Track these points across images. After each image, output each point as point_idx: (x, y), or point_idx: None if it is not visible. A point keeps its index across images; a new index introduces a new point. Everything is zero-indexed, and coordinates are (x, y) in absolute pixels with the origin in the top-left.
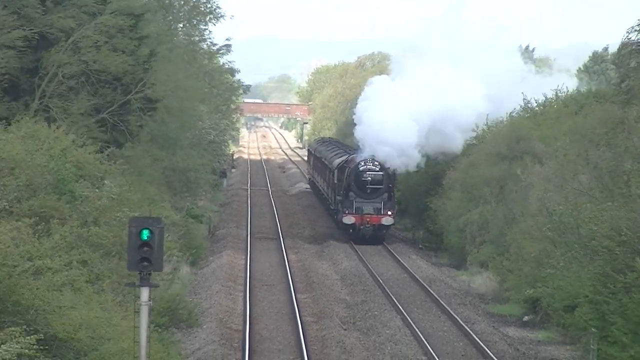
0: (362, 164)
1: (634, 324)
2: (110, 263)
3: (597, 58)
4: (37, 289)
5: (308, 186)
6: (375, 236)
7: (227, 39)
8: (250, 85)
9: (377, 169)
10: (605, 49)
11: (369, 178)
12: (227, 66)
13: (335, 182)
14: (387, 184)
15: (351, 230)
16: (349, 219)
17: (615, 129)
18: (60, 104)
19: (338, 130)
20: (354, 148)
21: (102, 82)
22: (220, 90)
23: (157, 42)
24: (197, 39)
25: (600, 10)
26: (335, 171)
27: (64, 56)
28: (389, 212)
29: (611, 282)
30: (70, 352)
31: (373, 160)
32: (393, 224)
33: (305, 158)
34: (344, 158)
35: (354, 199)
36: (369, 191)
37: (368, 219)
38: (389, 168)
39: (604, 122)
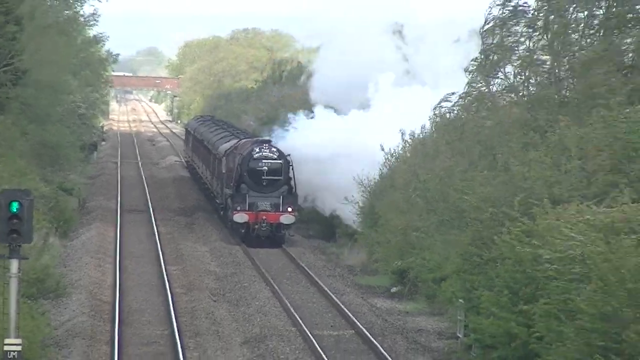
0: (257, 150)
1: (500, 295)
2: None
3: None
4: None
5: (178, 159)
6: (273, 237)
7: (94, 9)
8: (118, 54)
9: (275, 157)
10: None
11: (265, 168)
12: (97, 37)
13: (223, 171)
14: (287, 174)
15: (243, 231)
16: (240, 217)
17: (479, 101)
18: None
19: (207, 103)
20: (245, 131)
21: None
22: (90, 61)
23: (29, 17)
24: (69, 13)
25: None
26: (223, 159)
27: None
28: (290, 209)
29: (477, 255)
30: None
31: (270, 145)
32: (294, 223)
33: (176, 131)
34: (233, 142)
35: (246, 192)
36: (265, 183)
37: (264, 217)
38: (288, 155)
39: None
